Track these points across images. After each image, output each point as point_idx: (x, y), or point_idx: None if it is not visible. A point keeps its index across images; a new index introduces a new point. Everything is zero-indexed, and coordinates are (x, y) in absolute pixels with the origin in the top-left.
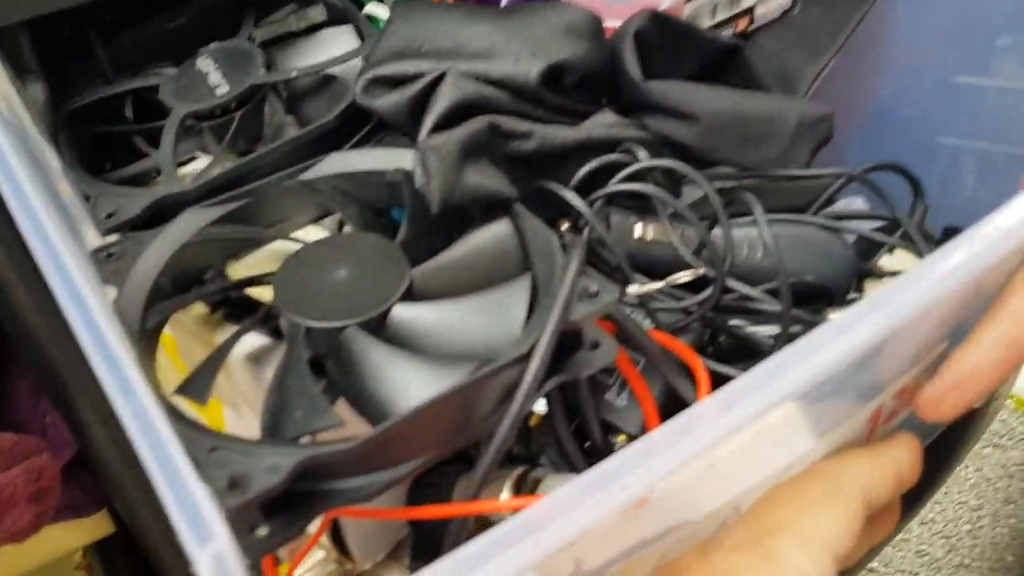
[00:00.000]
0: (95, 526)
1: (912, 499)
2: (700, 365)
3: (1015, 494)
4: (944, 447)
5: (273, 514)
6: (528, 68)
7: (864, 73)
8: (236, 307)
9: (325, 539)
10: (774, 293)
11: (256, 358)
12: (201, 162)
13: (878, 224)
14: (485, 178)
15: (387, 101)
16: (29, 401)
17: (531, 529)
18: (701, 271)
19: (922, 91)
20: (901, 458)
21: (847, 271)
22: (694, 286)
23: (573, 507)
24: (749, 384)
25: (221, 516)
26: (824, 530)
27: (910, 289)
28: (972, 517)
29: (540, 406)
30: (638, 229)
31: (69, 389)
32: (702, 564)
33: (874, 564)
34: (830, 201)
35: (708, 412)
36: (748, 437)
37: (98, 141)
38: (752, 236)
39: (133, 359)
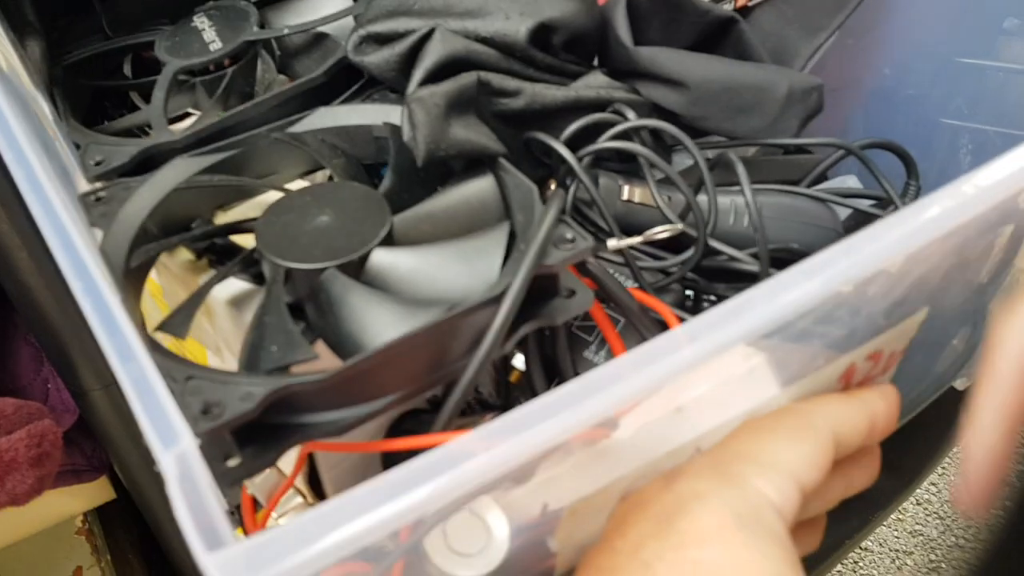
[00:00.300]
0: (96, 492)
1: (906, 478)
2: (675, 322)
3: (1011, 475)
4: (938, 424)
5: (246, 444)
6: (517, 26)
7: (866, 52)
8: (222, 255)
9: (302, 484)
10: (758, 258)
11: (238, 302)
12: (193, 119)
13: (870, 202)
14: (471, 132)
15: (378, 57)
16: (32, 367)
17: (485, 447)
18: (680, 227)
19: (925, 71)
20: (876, 403)
21: (833, 242)
22: (679, 250)
23: (529, 427)
24: (713, 319)
25: (187, 422)
26: (789, 461)
27: (882, 239)
28: None
29: (519, 362)
30: (625, 191)
31: (70, 355)
32: (665, 492)
33: (868, 543)
34: (823, 178)
35: (671, 343)
36: (714, 380)
37: (95, 97)
38: (739, 204)
39: (115, 293)
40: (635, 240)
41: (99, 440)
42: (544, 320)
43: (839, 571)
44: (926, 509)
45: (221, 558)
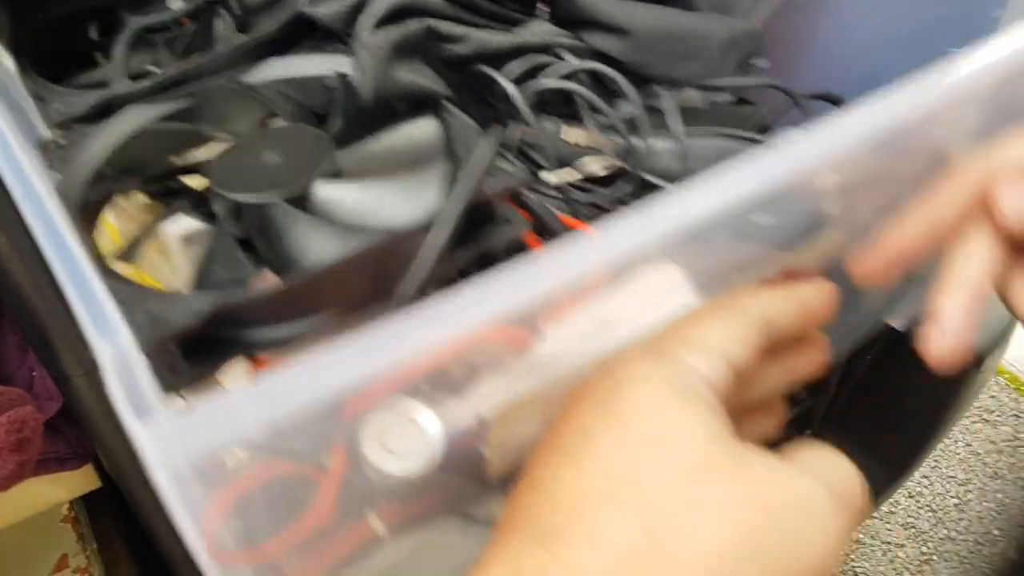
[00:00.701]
0: (81, 480)
1: (896, 470)
2: None
3: (1003, 469)
4: (928, 418)
5: (192, 357)
6: None
7: (815, 7)
8: (177, 197)
9: None
10: None
11: (190, 239)
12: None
13: None
14: (416, 76)
15: (329, 9)
16: (16, 354)
17: (397, 336)
18: (611, 160)
19: (872, 29)
20: (807, 292)
21: None
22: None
23: (440, 319)
24: (624, 224)
25: (123, 317)
26: (716, 338)
27: (784, 152)
28: (959, 491)
29: None
30: (565, 132)
31: (52, 341)
32: (605, 378)
33: (860, 535)
34: (767, 129)
35: (585, 244)
36: (640, 294)
37: (60, 58)
38: (677, 150)
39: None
40: (572, 175)
41: (83, 427)
42: (481, 246)
43: None
44: (918, 502)
45: (151, 428)
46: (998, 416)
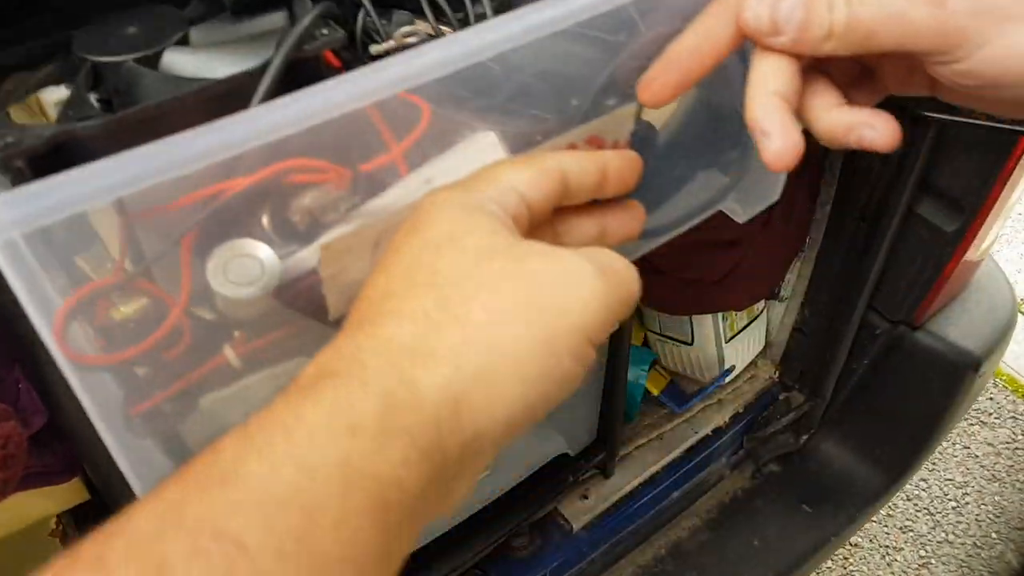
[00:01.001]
0: (69, 494)
1: (894, 473)
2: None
3: (1001, 472)
4: (925, 422)
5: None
6: None
7: None
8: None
9: None
10: None
11: (58, 103)
12: None
13: None
14: None
15: None
16: (3, 370)
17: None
18: (430, 29)
19: None
20: (608, 156)
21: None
22: None
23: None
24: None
25: None
26: (511, 177)
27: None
28: (957, 494)
29: None
30: (406, 27)
31: (37, 356)
32: (416, 208)
33: (858, 539)
34: None
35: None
36: (454, 152)
37: None
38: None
39: None
40: (392, 43)
41: (70, 440)
42: None
43: (828, 567)
44: (916, 505)
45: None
46: (996, 418)
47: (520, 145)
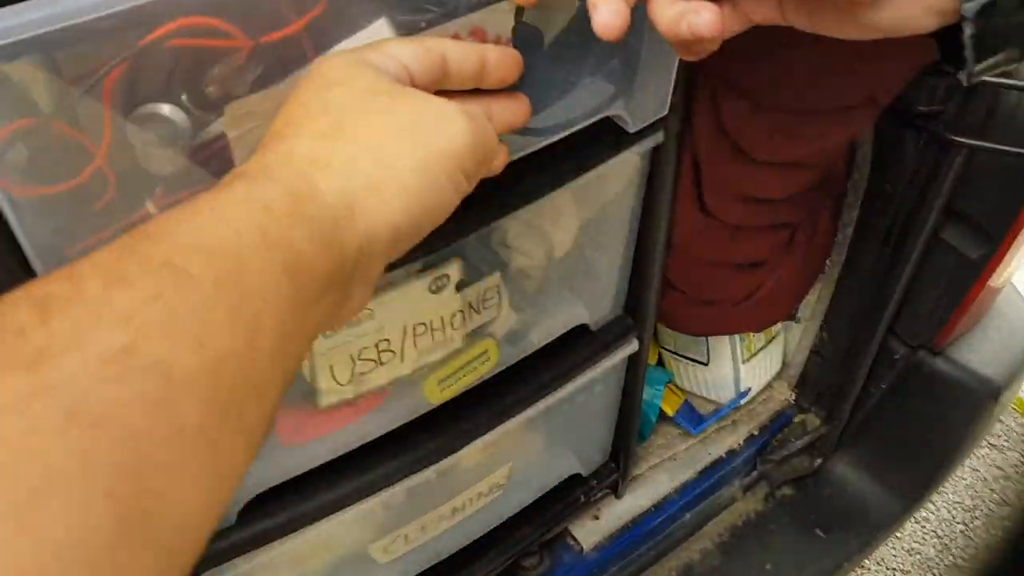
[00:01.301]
0: None
1: (909, 499)
2: None
3: (1011, 496)
4: (941, 448)
5: None
6: None
7: None
8: None
9: None
10: None
11: None
12: None
13: None
14: None
15: None
16: None
17: None
18: None
19: None
20: (488, 47)
21: None
22: None
23: None
24: None
25: None
26: (393, 47)
27: None
28: (966, 517)
29: None
30: None
31: None
32: (310, 70)
33: (865, 561)
34: None
35: None
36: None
37: None
38: None
39: None
40: None
41: None
42: None
43: None
44: (924, 527)
45: None
46: (1006, 442)
47: (406, 32)
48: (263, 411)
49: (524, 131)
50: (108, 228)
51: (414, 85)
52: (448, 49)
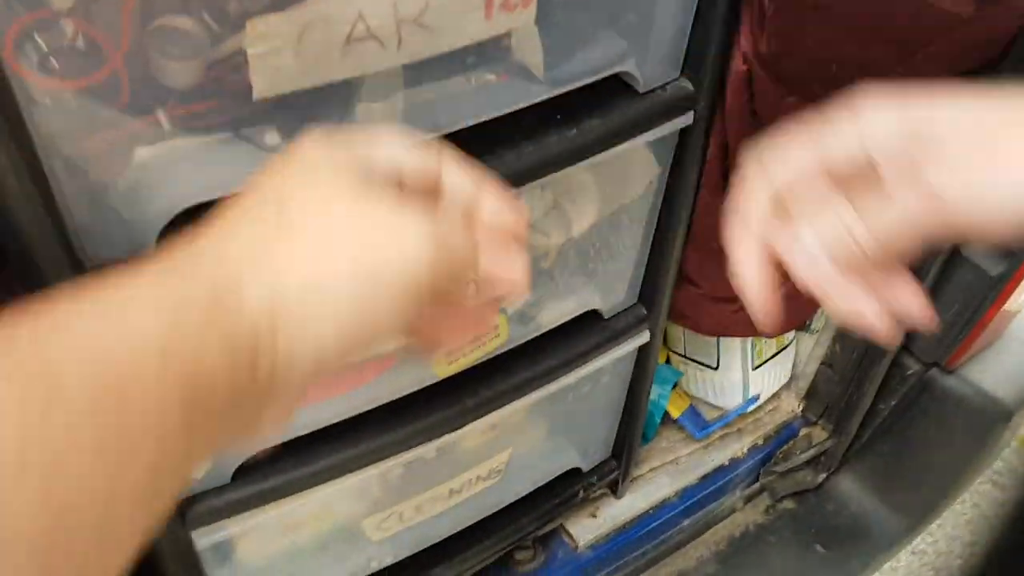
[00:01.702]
0: None
1: (912, 520)
2: None
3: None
4: (949, 470)
5: None
6: None
7: None
8: None
9: None
10: None
11: None
12: None
13: None
14: None
15: None
16: None
17: None
18: None
19: None
20: (488, 189)
21: None
22: None
23: None
24: None
25: None
26: (395, 149)
27: None
28: (965, 552)
29: None
30: None
31: None
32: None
33: None
34: None
35: None
36: None
37: None
38: None
39: None
40: None
41: None
42: None
43: None
44: (921, 560)
45: None
46: (1008, 479)
47: None
48: (111, 560)
49: (535, 81)
50: (116, 130)
51: (401, 190)
52: (448, 172)
